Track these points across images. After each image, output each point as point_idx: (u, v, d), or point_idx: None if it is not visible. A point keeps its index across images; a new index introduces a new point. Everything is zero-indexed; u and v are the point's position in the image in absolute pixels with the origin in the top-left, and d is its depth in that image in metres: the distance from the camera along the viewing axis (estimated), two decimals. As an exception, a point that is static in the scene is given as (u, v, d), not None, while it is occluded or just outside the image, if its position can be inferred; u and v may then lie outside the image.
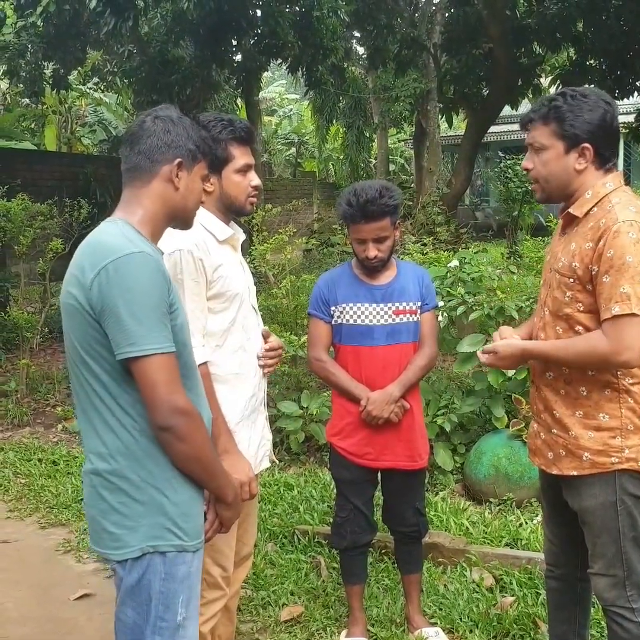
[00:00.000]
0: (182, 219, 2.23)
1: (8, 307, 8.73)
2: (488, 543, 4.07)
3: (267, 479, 4.97)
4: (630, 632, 2.48)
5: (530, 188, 12.54)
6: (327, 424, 3.56)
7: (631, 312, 2.30)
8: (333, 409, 3.45)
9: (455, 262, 6.17)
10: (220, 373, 2.65)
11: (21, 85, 12.73)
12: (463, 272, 5.76)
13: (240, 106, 18.32)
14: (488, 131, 15.83)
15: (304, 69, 13.57)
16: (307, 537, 4.26)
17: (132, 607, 2.03)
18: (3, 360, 8.33)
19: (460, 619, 3.53)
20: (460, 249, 9.79)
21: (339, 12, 13.06)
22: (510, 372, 4.62)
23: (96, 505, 2.05)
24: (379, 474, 3.40)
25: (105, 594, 3.89)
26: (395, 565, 3.74)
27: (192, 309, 2.49)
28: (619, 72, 12.83)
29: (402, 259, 5.56)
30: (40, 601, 3.95)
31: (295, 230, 8.87)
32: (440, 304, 5.24)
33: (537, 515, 4.32)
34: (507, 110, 15.50)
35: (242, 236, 2.86)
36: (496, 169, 18.74)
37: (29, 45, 11.26)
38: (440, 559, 3.96)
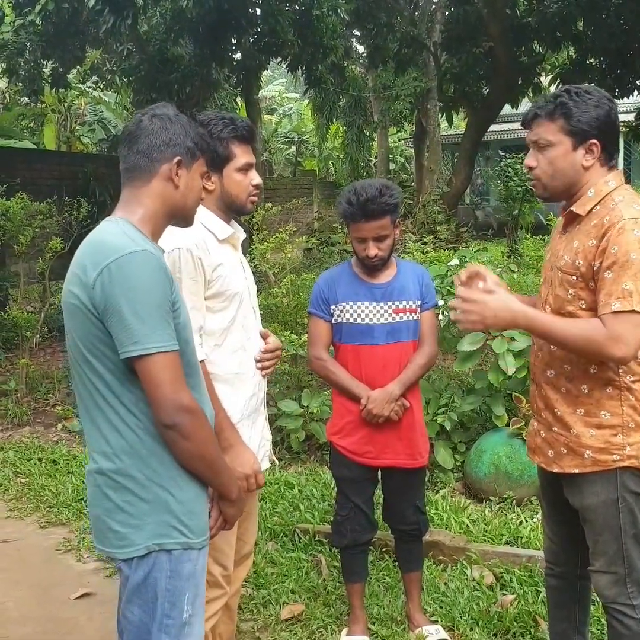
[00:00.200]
0: (182, 217, 2.23)
1: (7, 307, 8.73)
2: (488, 541, 4.07)
3: (268, 478, 4.96)
4: (631, 629, 2.48)
5: (530, 186, 12.55)
6: (327, 423, 3.56)
7: (632, 309, 2.30)
8: (333, 407, 3.44)
9: (455, 261, 6.17)
10: (219, 372, 2.65)
11: (20, 84, 12.74)
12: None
13: (240, 105, 18.32)
14: (488, 130, 15.85)
15: (304, 68, 13.59)
16: (307, 536, 4.26)
17: (138, 605, 2.04)
18: (3, 359, 8.33)
19: (461, 616, 3.53)
20: (460, 248, 9.80)
21: (338, 10, 13.07)
22: (511, 371, 4.62)
23: (101, 504, 2.05)
24: (379, 473, 3.41)
25: (105, 593, 3.89)
26: (396, 563, 3.74)
27: (189, 308, 2.49)
28: (619, 71, 12.83)
29: (402, 257, 5.56)
30: (40, 601, 3.95)
31: (295, 229, 8.87)
32: (441, 302, 5.24)
33: (537, 513, 4.32)
34: (507, 109, 15.50)
35: (242, 235, 2.85)
36: (496, 168, 18.72)
37: (28, 44, 11.27)
38: (440, 557, 3.96)
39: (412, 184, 19.29)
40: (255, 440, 2.80)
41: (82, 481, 5.08)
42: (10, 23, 11.70)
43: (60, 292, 2.47)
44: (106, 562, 4.16)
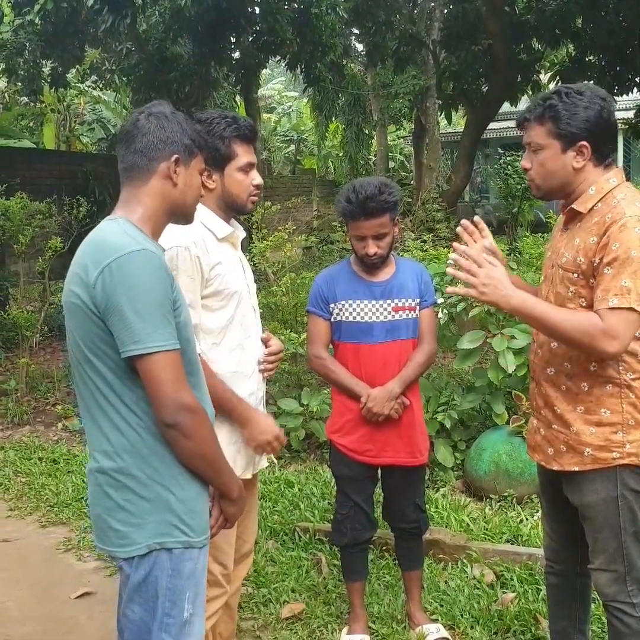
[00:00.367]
0: (182, 215, 2.23)
1: (7, 306, 8.73)
2: (489, 539, 4.07)
3: (268, 476, 4.97)
4: (631, 627, 2.48)
5: (528, 183, 12.55)
6: (327, 421, 3.56)
7: (629, 307, 2.30)
8: (333, 406, 3.44)
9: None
10: (218, 371, 2.64)
11: (19, 84, 12.76)
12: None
13: (239, 103, 18.30)
14: (487, 128, 15.82)
15: (303, 66, 13.59)
16: (307, 535, 4.26)
17: (139, 604, 2.04)
18: (3, 359, 8.33)
19: (461, 615, 3.53)
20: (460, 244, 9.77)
21: (337, 9, 13.06)
22: (511, 369, 4.62)
23: (102, 503, 2.05)
24: (379, 471, 3.41)
25: (105, 592, 3.89)
26: (396, 562, 3.75)
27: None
28: (618, 68, 12.81)
29: (401, 255, 5.56)
30: (41, 600, 3.95)
31: (294, 227, 8.88)
32: (440, 300, 5.23)
33: (537, 511, 4.32)
34: (506, 106, 15.47)
35: (242, 234, 2.85)
36: (496, 166, 18.74)
37: (27, 44, 11.28)
38: (440, 556, 3.97)
39: (412, 182, 19.28)
40: (254, 440, 2.79)
41: (83, 480, 5.09)
42: (9, 23, 11.70)
43: (60, 291, 2.48)
44: (107, 561, 4.16)
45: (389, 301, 3.24)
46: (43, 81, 12.71)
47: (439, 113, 17.18)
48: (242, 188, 2.75)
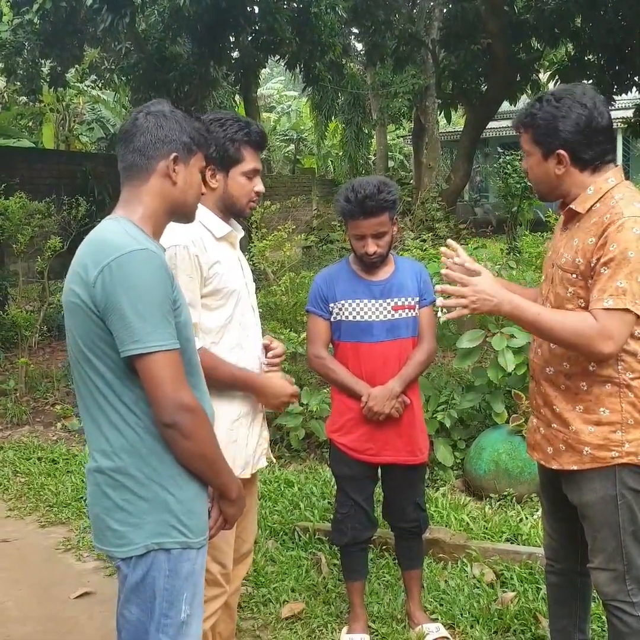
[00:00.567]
0: (183, 213, 2.22)
1: (7, 306, 8.73)
2: (488, 538, 4.07)
3: (268, 476, 4.97)
4: (631, 626, 2.48)
5: (529, 183, 12.53)
6: (327, 421, 3.56)
7: (624, 308, 2.30)
8: (333, 405, 3.44)
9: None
10: None
11: (18, 83, 12.74)
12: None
13: (238, 103, 18.29)
14: (487, 127, 15.81)
15: (302, 66, 13.58)
16: (307, 534, 4.26)
17: (136, 604, 2.03)
18: (2, 358, 8.32)
19: (461, 614, 3.53)
20: (459, 245, 9.77)
21: (336, 8, 13.06)
22: (510, 368, 4.62)
23: (100, 503, 2.05)
24: (379, 470, 3.40)
25: (105, 592, 3.89)
26: (396, 561, 3.75)
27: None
28: (617, 68, 12.80)
29: (401, 254, 5.56)
30: (40, 600, 3.95)
31: (294, 227, 8.88)
32: (440, 299, 5.23)
33: (537, 510, 4.32)
34: (505, 106, 15.47)
35: (240, 233, 2.86)
36: (495, 165, 18.73)
37: (26, 43, 11.26)
38: (440, 555, 3.97)
39: (411, 182, 19.26)
40: (253, 439, 2.80)
41: (82, 480, 5.08)
42: (8, 22, 11.68)
43: (59, 291, 2.49)
44: (106, 561, 4.16)
45: (388, 300, 3.24)
46: (42, 80, 12.70)
47: (438, 112, 17.18)
48: (243, 192, 2.76)
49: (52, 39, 11.28)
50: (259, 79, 16.12)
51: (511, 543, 4.01)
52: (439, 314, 2.62)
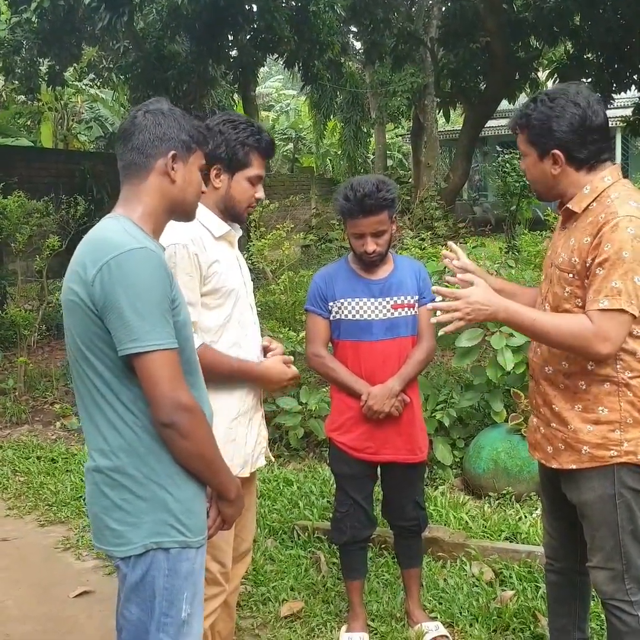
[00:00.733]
0: (182, 212, 2.21)
1: (5, 305, 8.72)
2: (487, 537, 4.07)
3: (267, 474, 4.97)
4: (629, 625, 2.48)
5: (527, 182, 12.55)
6: (326, 420, 3.56)
7: (619, 308, 2.30)
8: (332, 404, 3.44)
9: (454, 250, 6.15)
10: None
11: (17, 82, 12.74)
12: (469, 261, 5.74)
13: (237, 102, 18.28)
14: (485, 126, 15.83)
15: (301, 64, 13.59)
16: (306, 533, 4.26)
17: (136, 604, 2.03)
18: (1, 358, 8.32)
19: (460, 613, 3.53)
20: (458, 244, 9.77)
21: (335, 6, 13.08)
22: (509, 367, 4.62)
23: (98, 502, 2.05)
24: (379, 469, 3.40)
25: (104, 591, 3.89)
26: (395, 560, 3.75)
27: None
28: (616, 66, 12.81)
29: (399, 253, 5.55)
30: (40, 599, 3.95)
31: (293, 225, 8.88)
32: (439, 299, 5.23)
33: (536, 509, 4.33)
34: (504, 104, 15.48)
35: (238, 232, 2.86)
36: (494, 164, 18.71)
37: (24, 42, 11.26)
38: (439, 554, 3.97)
39: (410, 180, 19.28)
40: (252, 438, 2.80)
41: (81, 479, 5.08)
42: (6, 21, 11.67)
43: (58, 290, 2.49)
44: (105, 560, 4.16)
45: (388, 299, 3.24)
46: (40, 79, 12.70)
47: (437, 111, 17.19)
48: (245, 197, 2.77)
49: (50, 38, 11.28)
50: (258, 77, 16.11)
51: (510, 542, 4.01)
52: (439, 312, 2.63)
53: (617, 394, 2.43)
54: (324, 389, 5.40)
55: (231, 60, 13.61)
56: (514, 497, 4.51)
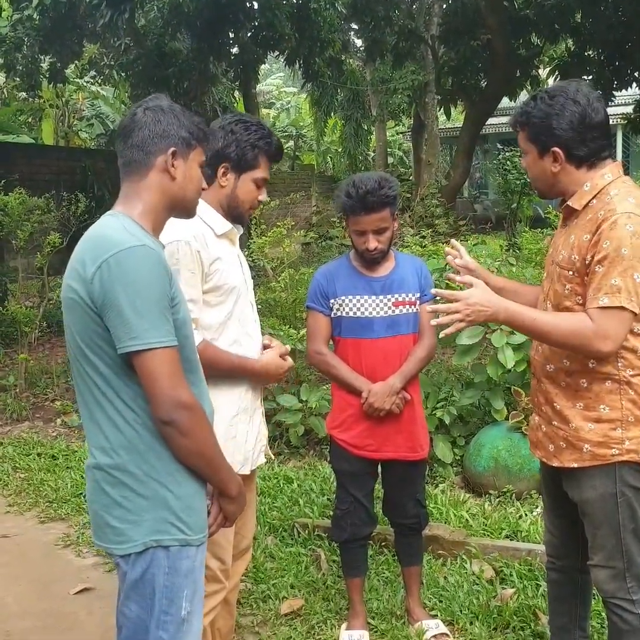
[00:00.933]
0: (183, 208, 2.21)
1: (6, 302, 8.72)
2: (488, 535, 4.07)
3: (267, 472, 4.97)
4: (630, 623, 2.48)
5: (528, 180, 12.52)
6: (327, 417, 3.55)
7: (619, 305, 2.30)
8: (333, 401, 3.44)
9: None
10: None
11: (18, 79, 12.73)
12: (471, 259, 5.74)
13: (237, 99, 18.26)
14: (486, 123, 15.80)
15: (302, 62, 13.57)
16: (306, 530, 4.26)
17: (136, 602, 2.02)
18: (2, 354, 8.32)
19: (461, 611, 3.53)
20: (459, 242, 9.76)
21: (336, 4, 13.06)
22: (510, 364, 4.62)
23: (99, 499, 2.04)
24: (379, 467, 3.40)
25: (105, 588, 3.89)
26: (395, 557, 3.75)
27: (186, 299, 2.49)
28: (617, 63, 12.79)
29: (400, 251, 5.55)
30: (40, 596, 3.95)
31: (293, 223, 8.87)
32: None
33: (536, 507, 4.33)
34: (505, 102, 15.46)
35: (240, 231, 2.87)
36: (494, 161, 18.70)
37: (26, 39, 11.25)
38: (440, 552, 3.97)
39: (411, 178, 19.26)
40: (252, 435, 2.80)
41: (82, 476, 5.09)
42: (7, 18, 11.67)
43: (59, 287, 2.48)
44: (105, 557, 4.16)
45: (389, 296, 3.24)
46: (41, 76, 12.69)
47: (437, 108, 17.17)
48: (248, 198, 2.79)
49: (51, 35, 11.27)
50: (259, 75, 16.09)
51: (510, 540, 4.01)
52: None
53: (618, 392, 2.43)
54: (325, 387, 5.40)
55: (232, 57, 13.59)
56: (514, 495, 4.51)
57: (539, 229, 13.71)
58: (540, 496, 4.02)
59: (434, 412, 4.93)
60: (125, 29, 11.43)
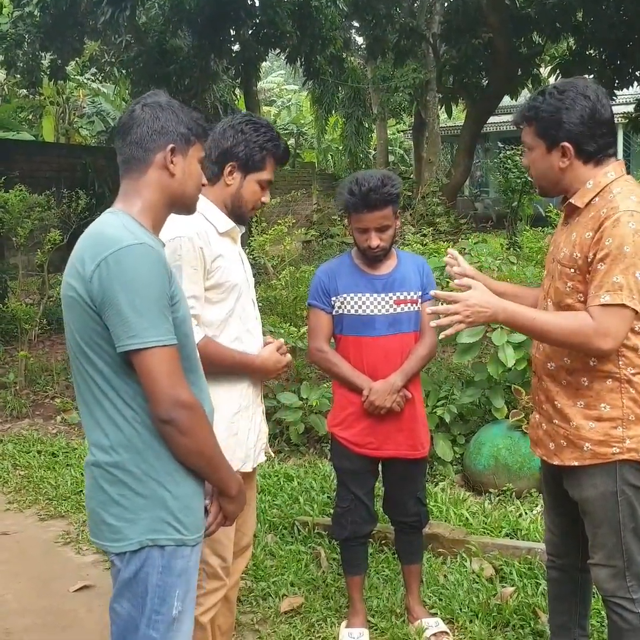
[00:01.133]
0: (182, 205, 2.20)
1: (6, 299, 8.72)
2: (488, 533, 4.07)
3: (267, 470, 4.97)
4: (630, 622, 2.48)
5: (529, 179, 12.50)
6: (328, 415, 3.55)
7: (621, 303, 2.29)
8: (334, 399, 3.44)
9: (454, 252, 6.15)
10: None
11: (18, 76, 12.73)
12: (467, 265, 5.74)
13: (238, 96, 18.25)
14: (487, 122, 15.80)
15: (303, 59, 13.56)
16: (307, 528, 4.26)
17: (128, 599, 2.01)
18: (2, 352, 8.33)
19: (460, 609, 3.53)
20: (460, 240, 9.78)
21: (337, 1, 13.05)
22: (510, 363, 4.62)
23: (96, 497, 2.04)
24: (380, 465, 3.40)
25: (104, 586, 3.89)
26: (395, 555, 3.75)
27: (188, 296, 2.49)
28: (618, 62, 12.78)
29: (401, 249, 5.55)
30: (40, 593, 3.95)
31: (294, 221, 8.88)
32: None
33: (536, 506, 4.33)
34: (506, 100, 15.46)
35: (242, 229, 2.88)
36: (495, 160, 18.72)
37: (26, 36, 11.24)
38: (440, 550, 3.97)
39: (411, 176, 19.25)
40: (254, 432, 2.80)
41: (81, 473, 5.08)
42: (8, 14, 11.66)
43: (59, 284, 2.48)
44: (105, 554, 4.13)
45: (390, 294, 3.23)
46: (42, 73, 12.68)
47: (439, 107, 17.15)
48: (252, 198, 2.81)
49: (52, 32, 11.26)
50: (260, 72, 16.06)
51: (510, 538, 4.01)
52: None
53: (619, 390, 2.42)
54: (325, 385, 5.39)
55: (233, 55, 13.58)
56: (514, 493, 4.51)
57: (540, 228, 13.73)
58: (541, 495, 4.02)
59: (434, 411, 4.92)
60: (126, 26, 11.42)
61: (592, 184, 2.45)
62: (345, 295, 3.25)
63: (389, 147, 25.42)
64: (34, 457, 5.70)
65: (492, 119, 16.87)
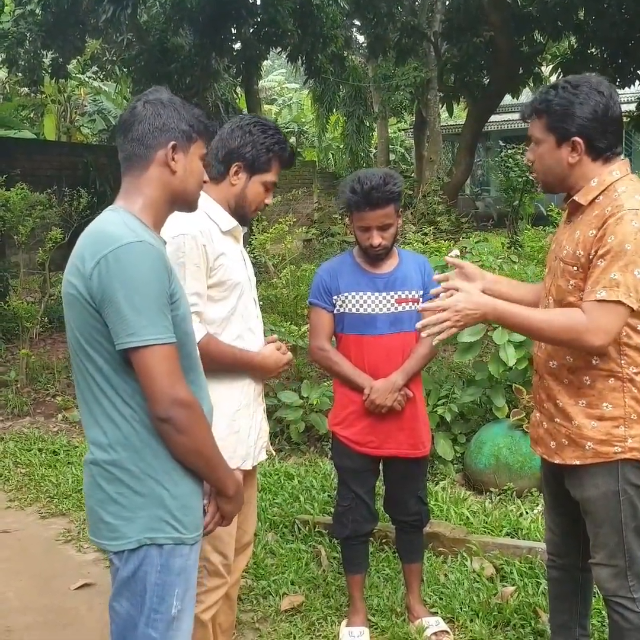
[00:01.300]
0: (184, 202, 2.19)
1: (8, 297, 8.72)
2: (488, 533, 4.07)
3: (268, 468, 4.97)
4: (631, 622, 2.47)
5: (531, 177, 12.48)
6: (328, 414, 3.55)
7: (617, 300, 2.29)
8: (335, 398, 3.44)
9: (456, 252, 6.16)
10: None
11: (20, 74, 12.72)
12: (464, 261, 5.74)
13: (240, 95, 18.24)
14: (488, 120, 15.81)
15: (304, 58, 13.56)
16: (307, 527, 4.26)
17: (126, 598, 2.01)
18: (3, 350, 8.33)
19: (461, 608, 3.53)
20: (461, 239, 9.78)
21: (338, 0, 13.01)
22: (511, 362, 4.61)
23: (95, 495, 2.03)
24: (381, 464, 3.40)
25: (105, 584, 3.88)
26: (396, 554, 3.75)
27: (191, 293, 2.50)
28: (620, 61, 12.78)
29: (402, 248, 5.55)
30: (41, 591, 3.95)
31: (295, 219, 8.87)
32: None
33: (537, 505, 4.32)
34: (507, 99, 15.47)
35: (244, 228, 2.89)
36: (497, 159, 18.67)
37: (28, 34, 11.25)
38: (440, 549, 3.96)
39: (412, 175, 19.24)
40: (254, 430, 2.80)
41: (82, 472, 5.08)
42: (10, 13, 11.68)
43: (60, 282, 2.49)
44: (105, 552, 4.15)
45: (392, 293, 3.23)
46: (44, 72, 12.68)
47: (440, 105, 17.14)
48: (256, 199, 2.82)
49: (53, 30, 11.26)
50: (261, 71, 16.06)
51: (511, 537, 4.01)
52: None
53: (621, 389, 2.42)
54: (326, 383, 5.39)
55: (234, 53, 13.57)
56: (515, 492, 4.51)
57: (541, 227, 13.73)
58: (541, 494, 4.02)
59: (435, 410, 4.92)
60: (128, 24, 11.43)
61: (597, 182, 2.45)
62: (346, 294, 3.25)
63: (390, 146, 25.41)
64: (35, 455, 5.70)
65: (493, 118, 16.88)
